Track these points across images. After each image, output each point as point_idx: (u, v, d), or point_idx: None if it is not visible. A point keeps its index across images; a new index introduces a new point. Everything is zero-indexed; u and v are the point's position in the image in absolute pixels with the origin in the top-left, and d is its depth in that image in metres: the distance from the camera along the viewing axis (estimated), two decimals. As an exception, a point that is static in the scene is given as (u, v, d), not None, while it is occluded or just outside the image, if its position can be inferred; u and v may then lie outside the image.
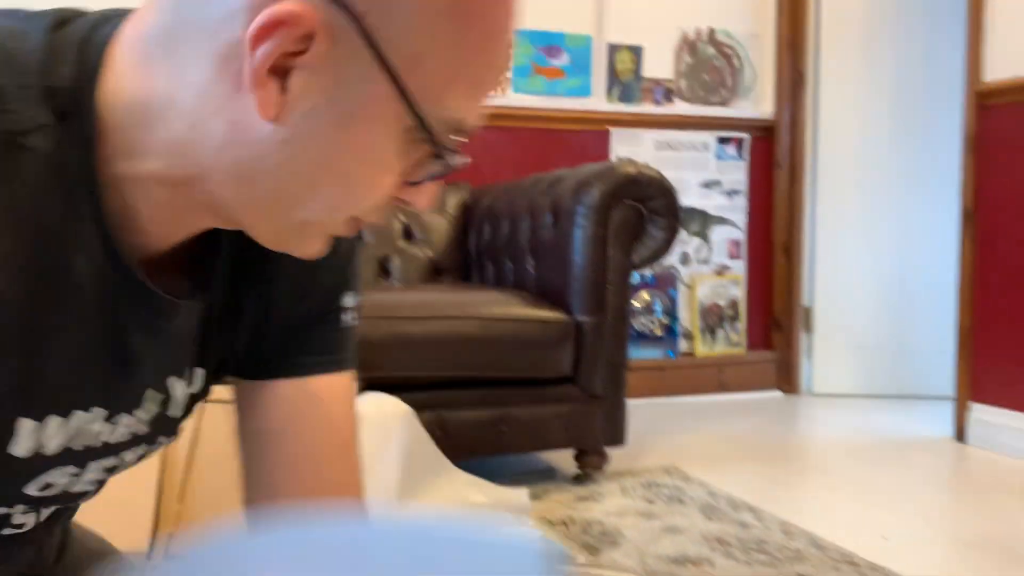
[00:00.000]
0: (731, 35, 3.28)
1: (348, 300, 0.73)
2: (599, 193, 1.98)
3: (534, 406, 1.96)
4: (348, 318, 0.74)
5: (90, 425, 0.57)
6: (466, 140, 0.55)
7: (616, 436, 2.05)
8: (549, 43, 3.01)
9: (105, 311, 0.55)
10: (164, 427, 0.65)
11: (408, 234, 2.60)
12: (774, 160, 3.34)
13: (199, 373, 0.66)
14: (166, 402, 0.63)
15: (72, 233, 0.52)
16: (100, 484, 0.65)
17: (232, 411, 0.70)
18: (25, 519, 0.62)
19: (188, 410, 0.67)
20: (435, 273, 2.58)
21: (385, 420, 1.57)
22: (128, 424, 0.60)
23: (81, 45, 0.52)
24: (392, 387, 1.75)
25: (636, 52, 3.13)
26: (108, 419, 0.58)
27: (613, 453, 2.10)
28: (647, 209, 2.02)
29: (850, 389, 3.30)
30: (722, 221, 3.28)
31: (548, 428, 1.97)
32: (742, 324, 3.31)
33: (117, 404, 0.58)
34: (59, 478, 0.58)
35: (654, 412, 2.94)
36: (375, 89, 0.50)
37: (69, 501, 0.64)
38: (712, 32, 3.25)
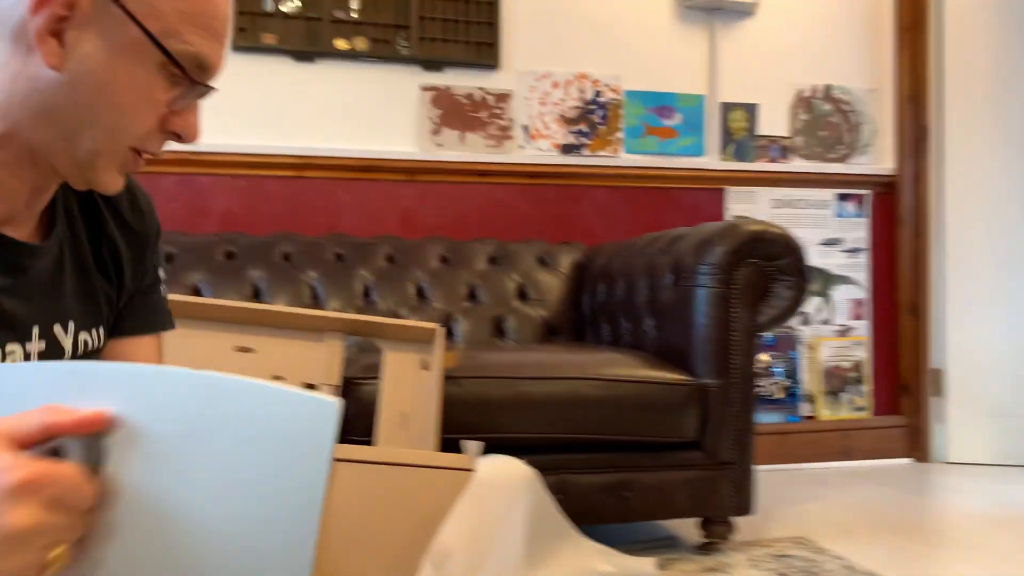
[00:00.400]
0: (847, 91, 3.20)
1: (162, 273, 0.98)
2: (723, 251, 1.93)
3: (658, 471, 1.89)
4: (164, 288, 0.99)
5: None
6: (212, 77, 0.76)
7: (744, 505, 1.96)
8: (661, 103, 3.00)
9: None
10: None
11: (522, 294, 2.60)
12: (897, 217, 3.21)
13: (85, 330, 0.83)
14: (56, 344, 0.79)
15: None
16: None
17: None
18: None
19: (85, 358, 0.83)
20: (549, 333, 2.56)
21: (510, 483, 1.54)
22: (24, 351, 0.75)
23: None
24: (512, 448, 1.73)
25: (750, 110, 3.09)
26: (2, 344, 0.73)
27: (738, 522, 2.01)
28: (773, 268, 1.96)
29: (986, 458, 3.09)
30: (844, 280, 3.16)
31: (673, 495, 1.90)
32: (867, 387, 3.15)
33: (4, 335, 0.73)
34: None
35: (776, 479, 2.81)
36: (128, 33, 0.70)
37: None
38: (828, 88, 3.18)
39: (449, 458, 1.51)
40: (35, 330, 0.77)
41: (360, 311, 2.43)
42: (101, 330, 0.86)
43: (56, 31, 0.70)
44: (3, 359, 0.74)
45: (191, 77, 0.73)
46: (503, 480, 1.52)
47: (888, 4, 3.23)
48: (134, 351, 0.93)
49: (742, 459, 1.95)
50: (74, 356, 0.82)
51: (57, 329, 0.80)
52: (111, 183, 0.77)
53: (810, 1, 3.16)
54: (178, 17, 0.72)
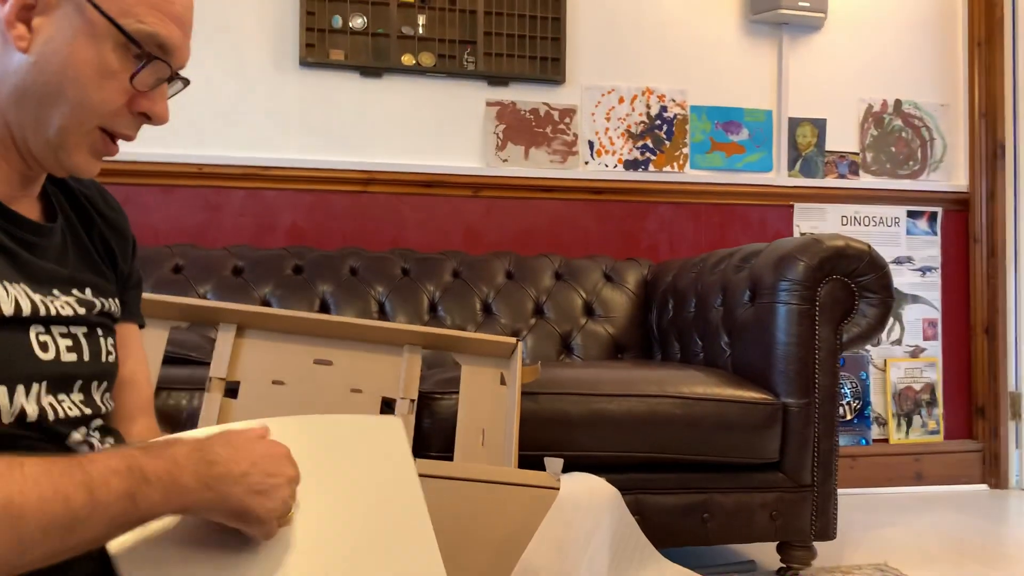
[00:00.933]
0: (918, 106, 3.13)
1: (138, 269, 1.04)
2: (805, 267, 1.88)
3: (738, 493, 1.84)
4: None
5: (28, 295, 0.77)
6: (174, 59, 0.81)
7: (825, 529, 1.90)
8: (728, 118, 2.96)
9: None
10: (95, 319, 0.87)
11: (589, 310, 2.56)
12: (970, 234, 3.12)
13: (103, 297, 0.89)
14: (80, 301, 0.85)
15: None
16: (85, 373, 0.84)
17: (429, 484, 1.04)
18: (67, 407, 0.80)
19: (106, 318, 0.89)
20: (616, 350, 2.52)
21: (593, 502, 1.50)
22: (57, 305, 0.81)
23: None
24: (588, 466, 1.69)
25: (818, 125, 3.03)
26: (32, 294, 0.78)
27: (817, 547, 1.94)
28: (857, 285, 1.90)
29: (1069, 486, 2.97)
30: (915, 300, 3.07)
31: (753, 518, 1.84)
32: (939, 410, 3.06)
33: (32, 287, 0.79)
34: (41, 338, 0.78)
35: (846, 503, 2.72)
36: (87, 14, 0.76)
37: (77, 384, 0.83)
38: (898, 103, 3.11)
39: (533, 475, 1.48)
40: (55, 290, 0.83)
41: (427, 326, 2.41)
42: (115, 301, 0.92)
43: (24, 18, 0.76)
44: (44, 308, 0.79)
45: (149, 53, 0.78)
46: (587, 498, 1.48)
47: (959, 18, 3.16)
48: (127, 337, 0.99)
49: (824, 482, 1.89)
50: (101, 312, 0.89)
51: (76, 291, 0.85)
52: (84, 165, 0.81)
53: (879, 15, 3.10)
54: (134, 0, 0.77)
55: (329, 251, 2.52)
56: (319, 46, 2.66)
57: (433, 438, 1.70)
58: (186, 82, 0.87)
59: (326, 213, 2.69)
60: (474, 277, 2.54)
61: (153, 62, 0.79)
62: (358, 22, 2.68)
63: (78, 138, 0.79)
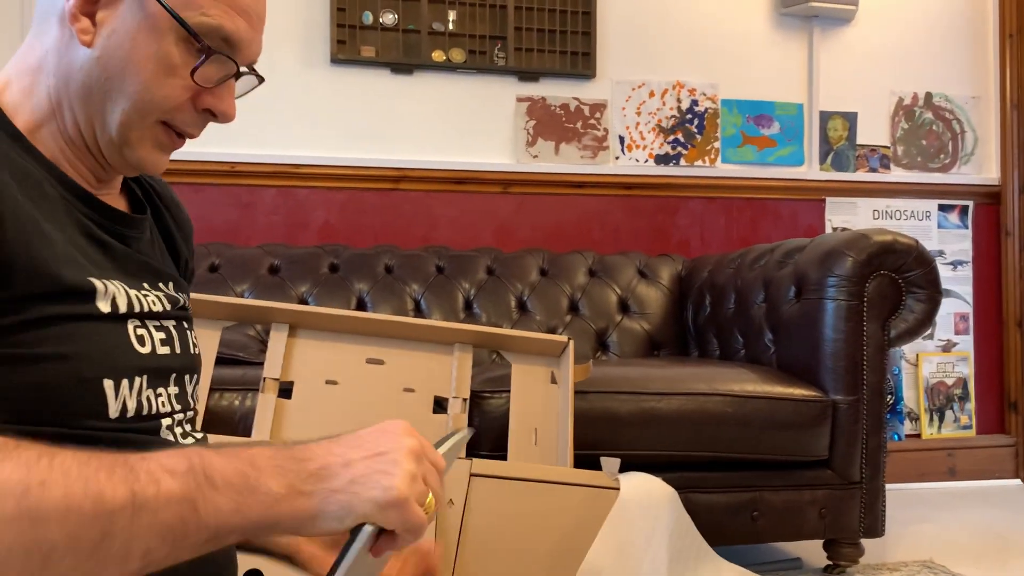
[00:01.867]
0: (949, 99, 3.11)
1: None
2: (852, 263, 1.86)
3: (787, 491, 1.83)
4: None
5: (125, 291, 0.77)
6: (241, 55, 0.78)
7: (874, 526, 1.89)
8: (759, 112, 2.94)
9: (81, 221, 0.76)
10: (179, 313, 0.85)
11: (624, 307, 2.55)
12: (1002, 227, 3.10)
13: (181, 292, 0.88)
14: (167, 296, 0.84)
15: (32, 174, 0.73)
16: (178, 364, 0.83)
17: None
18: (161, 401, 0.79)
19: (186, 312, 0.88)
20: (653, 347, 2.51)
21: (652, 502, 1.49)
22: (149, 301, 0.80)
23: None
24: (639, 465, 1.68)
25: (849, 119, 3.01)
26: (129, 289, 0.77)
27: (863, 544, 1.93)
28: (904, 281, 1.89)
29: (1103, 480, 2.95)
30: (947, 293, 3.05)
31: (802, 515, 1.83)
32: (972, 405, 3.04)
33: (127, 282, 0.78)
34: (138, 331, 0.77)
35: (882, 499, 2.71)
36: (149, 7, 0.74)
37: (172, 377, 0.81)
38: (929, 96, 3.09)
39: (592, 475, 1.47)
40: (146, 284, 0.82)
41: (462, 323, 2.41)
42: (186, 295, 0.91)
43: (89, 11, 0.75)
44: (138, 304, 0.78)
45: (210, 48, 0.75)
46: (646, 499, 1.47)
47: (990, 10, 3.14)
48: None
49: (873, 478, 1.88)
50: (182, 307, 0.88)
51: (162, 285, 0.85)
52: (149, 159, 0.79)
53: (909, 8, 3.07)
54: None
55: (364, 249, 2.51)
56: (350, 43, 2.65)
57: (484, 437, 1.69)
58: (260, 79, 0.84)
59: (358, 210, 2.68)
60: (508, 274, 2.53)
61: (215, 57, 0.76)
62: (389, 18, 2.67)
63: (140, 132, 0.77)
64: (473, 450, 1.66)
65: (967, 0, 3.12)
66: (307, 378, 1.57)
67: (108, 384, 0.72)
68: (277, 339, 1.58)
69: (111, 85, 0.75)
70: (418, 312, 2.42)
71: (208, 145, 2.55)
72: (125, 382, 0.74)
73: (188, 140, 0.82)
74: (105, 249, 0.78)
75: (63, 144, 0.78)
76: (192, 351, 0.87)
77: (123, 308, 0.76)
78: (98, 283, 0.74)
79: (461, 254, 2.56)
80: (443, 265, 2.51)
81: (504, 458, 1.61)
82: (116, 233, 0.80)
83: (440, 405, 1.65)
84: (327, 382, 1.59)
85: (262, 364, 1.61)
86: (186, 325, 0.87)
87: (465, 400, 1.64)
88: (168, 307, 0.84)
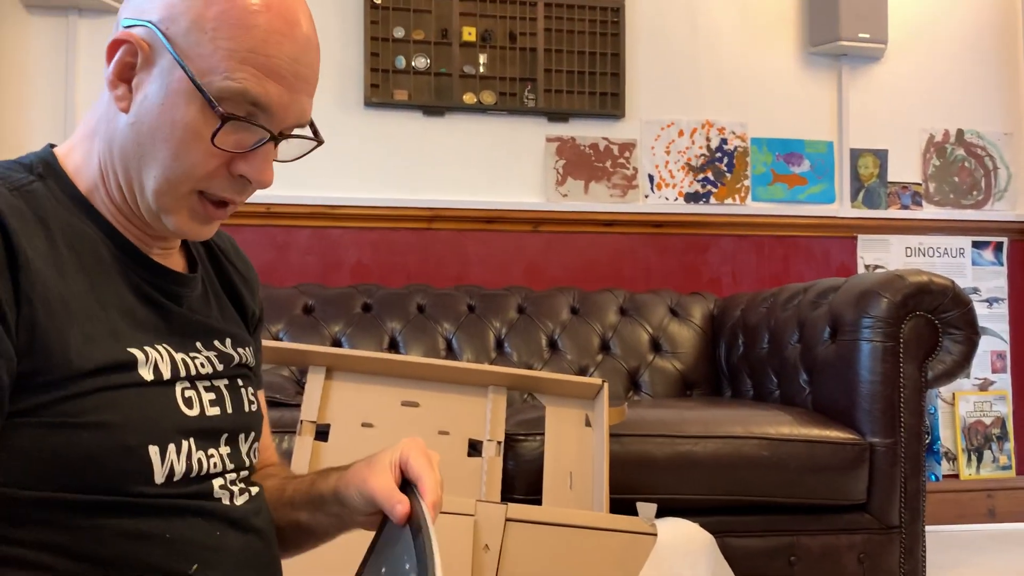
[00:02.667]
0: (981, 135, 3.10)
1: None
2: (888, 304, 1.85)
3: (825, 535, 1.80)
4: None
5: (171, 355, 0.78)
6: (275, 118, 0.75)
7: (914, 571, 1.85)
8: (788, 150, 2.95)
9: (134, 282, 0.78)
10: (234, 372, 0.86)
11: (656, 346, 2.55)
12: (1038, 264, 3.07)
13: (240, 347, 0.88)
14: (224, 354, 0.85)
15: (88, 237, 0.76)
16: (228, 425, 0.83)
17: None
18: (213, 462, 0.79)
19: (245, 369, 0.89)
20: (685, 386, 2.50)
21: (690, 548, 1.48)
22: (198, 363, 0.81)
23: (35, 153, 0.81)
24: (673, 510, 1.67)
25: (880, 156, 3.00)
26: (176, 352, 0.78)
27: (906, 590, 1.90)
28: (940, 322, 1.87)
29: None
30: (983, 331, 3.02)
31: (841, 560, 1.80)
32: (1011, 444, 2.99)
33: (176, 344, 0.79)
34: (187, 393, 0.78)
35: (920, 542, 2.66)
36: (176, 74, 0.73)
37: (223, 438, 0.82)
38: (960, 133, 3.08)
39: (629, 521, 1.46)
40: (199, 344, 0.83)
41: (493, 363, 2.41)
42: (250, 350, 0.91)
43: (126, 77, 0.75)
44: (185, 367, 0.79)
45: (224, 114, 0.72)
46: (684, 544, 1.46)
47: (1021, 46, 3.13)
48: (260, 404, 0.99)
49: (912, 523, 1.84)
50: (240, 364, 0.88)
51: (217, 343, 0.85)
52: (187, 228, 0.78)
53: (939, 45, 3.08)
54: (225, 54, 0.72)
55: (396, 288, 2.53)
56: (383, 86, 2.69)
57: (517, 480, 1.69)
58: (316, 140, 0.82)
59: (390, 250, 2.71)
60: (539, 313, 2.54)
61: (240, 123, 0.73)
62: (421, 62, 2.72)
63: (174, 202, 0.76)
64: (507, 494, 1.66)
65: (998, 37, 3.12)
66: (343, 421, 1.59)
67: (153, 450, 0.73)
68: (314, 382, 1.59)
69: (143, 151, 0.74)
70: (450, 351, 2.43)
71: (244, 187, 2.60)
72: (171, 447, 0.75)
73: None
74: (158, 310, 0.79)
75: (113, 208, 0.79)
76: (246, 409, 0.86)
77: (167, 374, 0.77)
78: (139, 353, 0.75)
79: (492, 293, 2.57)
80: (474, 304, 2.53)
81: (539, 502, 1.61)
82: (170, 293, 0.81)
83: (474, 448, 1.65)
84: (363, 424, 1.60)
85: (298, 406, 1.63)
86: (241, 383, 0.87)
87: (500, 443, 1.64)
88: (220, 367, 0.84)
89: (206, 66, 0.72)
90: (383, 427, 1.60)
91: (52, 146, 0.82)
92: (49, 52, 2.57)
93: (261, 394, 1.00)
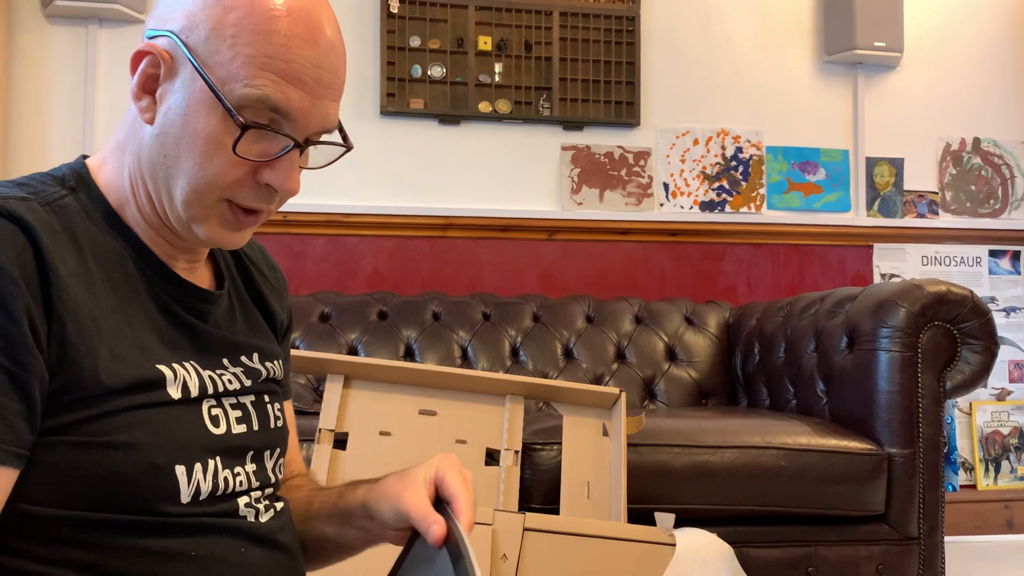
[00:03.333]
0: (998, 144, 3.08)
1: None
2: (906, 313, 1.84)
3: (843, 546, 1.79)
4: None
5: (197, 373, 0.78)
6: (297, 124, 0.74)
7: (933, 583, 1.84)
8: (804, 159, 2.94)
9: (161, 299, 0.79)
10: (261, 387, 0.86)
11: (672, 355, 2.55)
12: (1056, 273, 3.05)
13: (269, 361, 0.88)
14: (251, 369, 0.84)
15: (116, 253, 0.76)
16: (253, 441, 0.83)
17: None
18: (239, 480, 0.79)
19: (272, 384, 0.89)
20: (701, 395, 2.49)
21: (709, 558, 1.48)
22: (225, 380, 0.81)
23: (68, 164, 0.81)
24: (691, 520, 1.67)
25: (896, 164, 3.00)
26: (203, 370, 0.78)
27: (925, 602, 1.88)
28: (959, 332, 1.86)
29: None
30: (1000, 341, 3.00)
31: (859, 571, 1.80)
32: (1029, 455, 2.97)
33: (203, 362, 0.79)
34: (213, 411, 0.78)
35: (938, 553, 2.64)
36: (197, 83, 0.72)
37: (249, 455, 0.82)
38: (977, 141, 3.07)
39: (647, 531, 1.46)
40: (225, 360, 0.82)
41: (508, 371, 2.42)
42: (278, 363, 0.90)
43: (150, 88, 0.75)
44: (212, 385, 0.79)
45: (244, 122, 0.71)
46: (702, 555, 1.46)
47: (1038, 54, 3.12)
48: (287, 415, 0.98)
49: (931, 534, 1.83)
50: (267, 379, 0.87)
51: (244, 359, 0.85)
52: (219, 237, 0.78)
53: (955, 54, 3.07)
54: (245, 61, 0.71)
55: (412, 296, 2.54)
56: (399, 95, 2.71)
57: (535, 490, 1.69)
58: (346, 146, 0.80)
59: (406, 258, 2.72)
60: (554, 321, 2.54)
61: (254, 131, 0.72)
62: (437, 71, 2.73)
63: (203, 211, 0.76)
64: (524, 503, 1.66)
65: (1014, 45, 3.11)
66: (361, 429, 1.59)
67: (180, 470, 0.73)
68: (332, 390, 1.60)
69: (170, 163, 0.74)
70: (465, 359, 2.43)
71: (261, 195, 2.61)
72: (198, 466, 0.75)
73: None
74: (184, 328, 0.79)
75: (143, 221, 0.79)
76: (273, 425, 0.86)
77: (195, 392, 0.77)
78: (167, 370, 0.75)
79: (507, 301, 2.58)
80: (489, 312, 2.53)
81: (556, 512, 1.61)
82: (195, 310, 0.81)
83: (492, 457, 1.65)
84: (381, 433, 1.60)
85: (316, 414, 1.63)
86: (267, 399, 0.87)
87: (517, 452, 1.64)
88: (247, 383, 0.84)
89: (226, 73, 0.72)
90: (401, 436, 1.61)
91: (85, 157, 0.83)
92: (69, 62, 2.59)
93: (289, 404, 1.00)
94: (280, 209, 2.62)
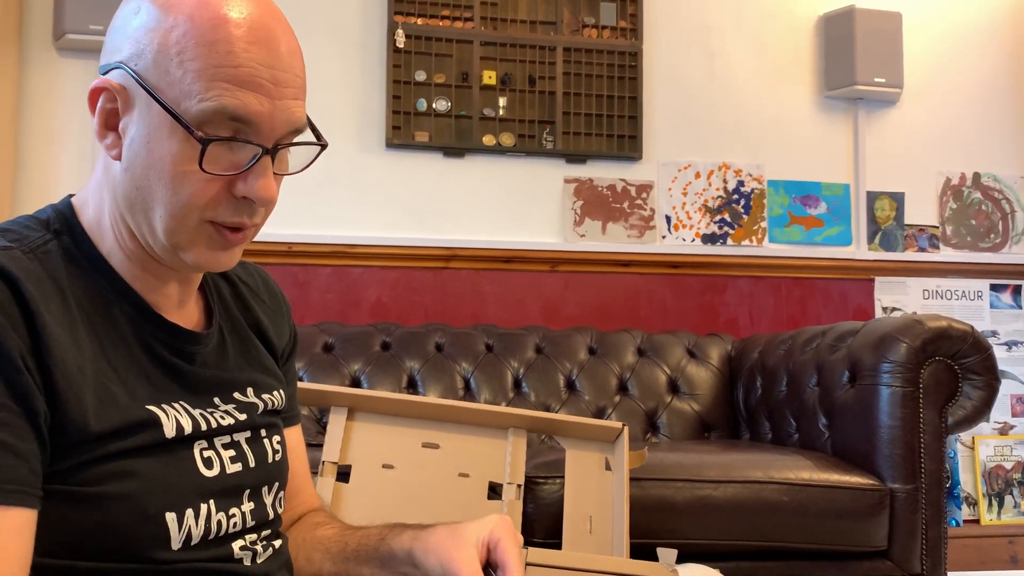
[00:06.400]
0: (998, 179, 3.11)
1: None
2: (907, 349, 1.85)
3: (846, 582, 1.79)
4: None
5: (188, 413, 0.77)
6: (259, 128, 0.72)
7: (936, 620, 1.83)
8: (805, 192, 2.97)
9: (147, 343, 0.77)
10: (257, 421, 0.85)
11: (674, 387, 2.55)
12: (1057, 308, 3.06)
13: (266, 393, 0.88)
14: (240, 407, 0.83)
15: (102, 297, 0.75)
16: (250, 484, 0.82)
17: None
18: (233, 522, 0.78)
19: (270, 417, 0.88)
20: (703, 428, 2.49)
21: (710, 595, 1.47)
22: (216, 417, 0.80)
23: (54, 205, 0.80)
24: (694, 555, 1.66)
25: (896, 199, 3.02)
26: (193, 409, 0.78)
27: (929, 640, 1.88)
28: (960, 367, 1.87)
29: None
30: (1002, 375, 3.00)
31: (862, 608, 1.79)
32: (1032, 490, 2.96)
33: (192, 401, 0.78)
34: (205, 453, 0.77)
35: (941, 588, 2.63)
36: (154, 108, 0.71)
37: (245, 494, 0.81)
38: (977, 176, 3.09)
39: (650, 567, 1.46)
40: (216, 399, 0.81)
41: (511, 403, 2.42)
42: (278, 392, 0.89)
43: (112, 125, 0.74)
44: (204, 423, 0.78)
45: (202, 137, 0.69)
46: (705, 591, 1.45)
47: (1036, 90, 3.15)
48: (292, 440, 0.97)
49: (934, 570, 1.83)
50: (264, 412, 0.86)
51: (237, 395, 0.84)
52: (207, 260, 0.76)
53: (955, 89, 3.10)
54: (195, 76, 0.70)
55: (415, 327, 2.55)
56: (404, 128, 2.74)
57: (537, 524, 1.69)
58: (321, 145, 0.78)
59: (409, 289, 2.73)
60: (557, 353, 2.55)
61: (217, 143, 0.70)
62: (442, 105, 2.76)
63: (186, 236, 0.74)
64: (526, 537, 1.66)
65: (1013, 80, 3.15)
66: (364, 462, 1.60)
67: (171, 517, 0.72)
68: (336, 423, 1.61)
69: (144, 194, 0.73)
70: (468, 391, 2.44)
71: (266, 226, 2.63)
72: (189, 511, 0.74)
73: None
74: (170, 370, 0.78)
75: (126, 260, 0.77)
76: (271, 460, 0.85)
77: (188, 430, 0.76)
78: (158, 411, 0.74)
79: (510, 332, 2.59)
80: (492, 344, 2.54)
81: (558, 546, 1.61)
82: (181, 351, 0.80)
83: (494, 491, 1.65)
84: (384, 466, 1.61)
85: (319, 446, 1.64)
86: (264, 432, 0.85)
87: (520, 486, 1.65)
88: (241, 418, 0.82)
89: (179, 92, 0.70)
90: (404, 469, 1.61)
91: (72, 196, 0.82)
92: (80, 95, 2.63)
93: (298, 429, 0.99)
94: (285, 240, 2.61)
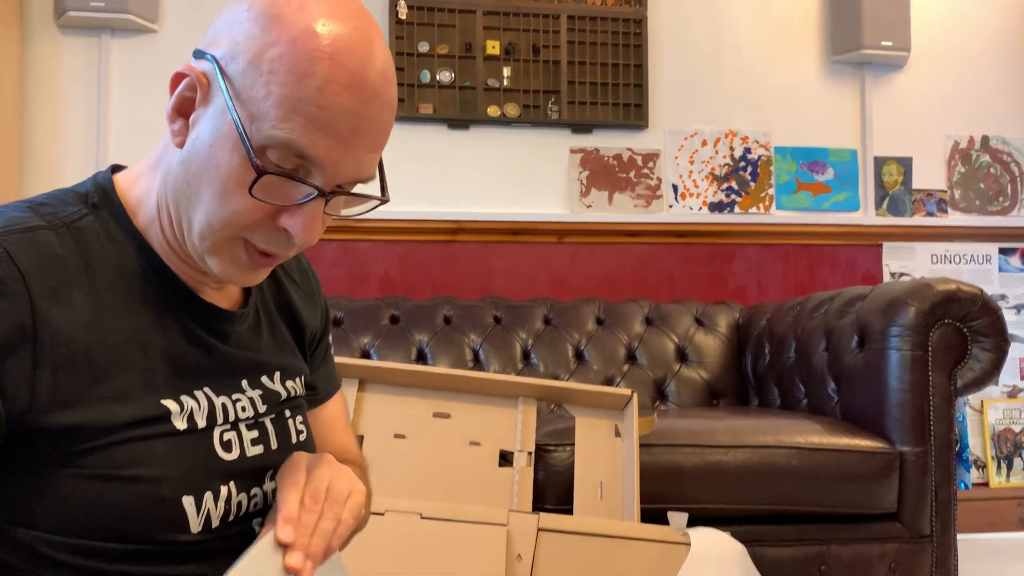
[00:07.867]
0: (1007, 141, 3.08)
1: (329, 339, 1.00)
2: (916, 312, 1.85)
3: (855, 545, 1.80)
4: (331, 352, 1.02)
5: (209, 401, 0.76)
6: (322, 172, 0.69)
7: (946, 581, 1.84)
8: (812, 159, 2.95)
9: (183, 321, 0.77)
10: (280, 407, 0.84)
11: (682, 356, 2.56)
12: (1066, 271, 3.05)
13: (290, 379, 0.87)
14: (269, 391, 0.83)
15: (138, 275, 0.75)
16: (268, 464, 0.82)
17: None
18: (254, 502, 0.79)
19: (292, 403, 0.87)
20: (712, 396, 2.50)
21: (722, 557, 1.49)
22: (240, 407, 0.79)
23: (94, 177, 0.79)
24: (703, 519, 1.68)
25: (904, 163, 3.00)
26: (216, 397, 0.77)
27: (938, 600, 1.89)
28: (969, 330, 1.87)
29: None
30: (1011, 339, 3.00)
31: (872, 570, 1.80)
32: (1041, 453, 2.96)
33: (219, 386, 0.78)
34: (225, 436, 0.77)
35: (951, 551, 2.64)
36: (227, 116, 0.69)
37: (267, 475, 0.81)
38: (986, 139, 3.07)
39: (662, 531, 1.48)
40: (244, 382, 0.81)
41: (520, 373, 2.43)
42: (300, 379, 0.89)
43: (185, 112, 0.72)
44: (223, 414, 0.78)
45: (260, 167, 0.67)
46: (716, 554, 1.47)
47: (1046, 51, 3.12)
48: (329, 413, 0.98)
49: (944, 532, 1.84)
50: (288, 400, 0.86)
51: (265, 380, 0.83)
52: (228, 274, 0.74)
53: (962, 52, 3.07)
54: (276, 101, 0.67)
55: (423, 300, 2.56)
56: (408, 101, 2.73)
57: (548, 491, 1.70)
58: (382, 200, 0.75)
59: (416, 262, 2.74)
60: (565, 324, 2.55)
61: (270, 176, 0.68)
62: (446, 76, 2.75)
63: (216, 246, 0.72)
64: (538, 504, 1.67)
65: (1021, 42, 3.11)
66: (376, 432, 1.61)
67: (188, 501, 0.73)
68: (347, 394, 1.62)
69: (192, 191, 0.71)
70: (477, 362, 2.45)
71: (273, 201, 2.64)
72: (208, 495, 0.74)
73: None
74: (204, 350, 0.78)
75: (166, 243, 0.76)
76: (295, 441, 0.85)
77: (202, 423, 0.75)
78: (173, 404, 0.73)
79: (518, 304, 2.59)
80: (500, 315, 2.54)
81: (570, 512, 1.62)
82: (217, 331, 0.79)
83: (505, 458, 1.67)
84: (395, 436, 1.62)
85: (331, 418, 1.65)
86: (288, 414, 0.86)
87: (530, 454, 1.66)
88: (262, 408, 0.82)
89: (257, 110, 0.67)
90: (415, 438, 1.63)
91: (116, 168, 0.81)
92: (82, 71, 2.62)
93: (338, 401, 0.99)
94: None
